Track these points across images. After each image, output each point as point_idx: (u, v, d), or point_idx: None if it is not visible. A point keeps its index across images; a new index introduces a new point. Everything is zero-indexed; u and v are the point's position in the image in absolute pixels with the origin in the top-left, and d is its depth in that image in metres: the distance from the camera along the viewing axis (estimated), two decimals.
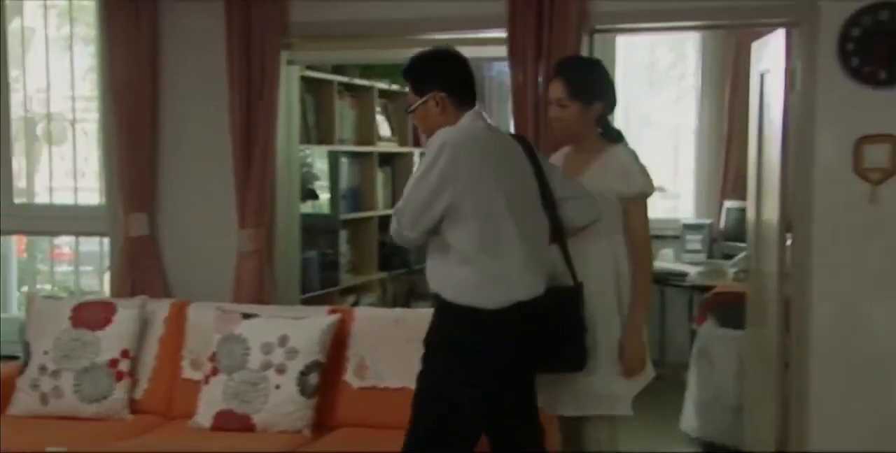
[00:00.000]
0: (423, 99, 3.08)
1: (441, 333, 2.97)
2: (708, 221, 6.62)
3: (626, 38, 6.42)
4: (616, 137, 3.33)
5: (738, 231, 6.03)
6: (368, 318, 4.00)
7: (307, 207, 5.47)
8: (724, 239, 6.50)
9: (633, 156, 3.28)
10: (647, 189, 3.26)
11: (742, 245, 5.49)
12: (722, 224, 6.56)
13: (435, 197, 2.88)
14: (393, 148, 6.48)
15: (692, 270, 6.09)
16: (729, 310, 5.04)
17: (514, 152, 3.09)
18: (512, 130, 4.15)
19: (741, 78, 6.35)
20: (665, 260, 6.42)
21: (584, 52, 4.01)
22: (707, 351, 5.08)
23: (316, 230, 5.51)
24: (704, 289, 5.68)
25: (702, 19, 4.20)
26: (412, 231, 2.96)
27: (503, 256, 2.92)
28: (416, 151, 6.78)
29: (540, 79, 4.01)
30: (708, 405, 5.03)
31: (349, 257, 6.09)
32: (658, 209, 6.91)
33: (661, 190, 6.80)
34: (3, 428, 3.76)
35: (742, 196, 6.09)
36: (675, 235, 6.57)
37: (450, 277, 2.94)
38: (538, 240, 3.05)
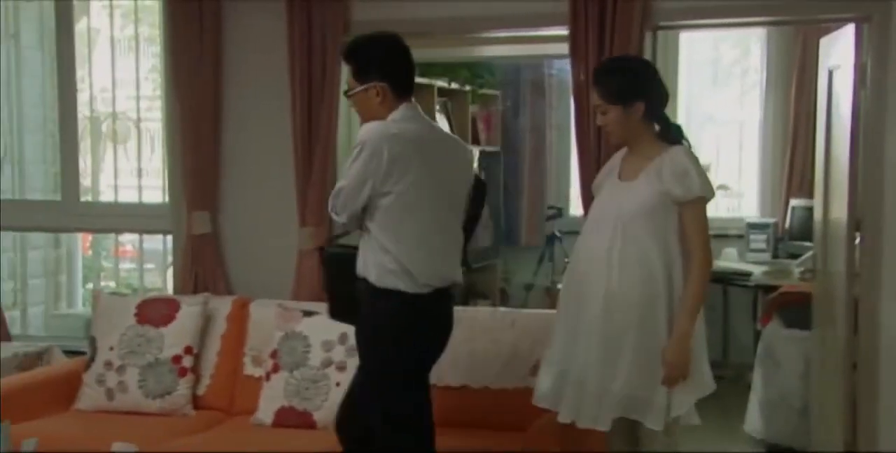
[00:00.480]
0: (364, 87, 3.08)
1: (368, 318, 3.11)
2: (773, 220, 6.50)
3: (689, 34, 6.33)
4: (674, 138, 3.15)
5: (803, 230, 5.92)
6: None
7: None
8: (790, 238, 6.38)
9: (692, 157, 3.09)
10: (705, 193, 3.07)
11: (808, 244, 5.39)
12: (787, 223, 6.44)
13: (358, 188, 3.00)
14: None
15: (756, 270, 5.99)
16: (795, 310, 4.94)
17: (447, 150, 3.17)
18: (574, 129, 4.12)
19: (808, 74, 6.24)
20: (728, 259, 6.32)
21: (647, 50, 3.97)
22: (772, 351, 5.00)
23: None
24: (769, 288, 5.58)
25: (769, 15, 4.12)
26: (341, 215, 3.08)
27: (420, 246, 3.04)
28: (476, 150, 6.78)
29: None
30: (773, 406, 4.95)
31: None
32: (721, 208, 6.85)
33: (725, 188, 6.73)
34: (71, 423, 3.83)
35: (808, 194, 5.98)
36: (739, 234, 6.46)
37: (372, 262, 3.06)
38: (456, 234, 3.17)
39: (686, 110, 6.99)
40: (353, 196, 3.02)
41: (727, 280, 6.06)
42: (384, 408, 3.10)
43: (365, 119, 3.11)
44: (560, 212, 6.96)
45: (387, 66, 3.09)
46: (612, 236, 3.07)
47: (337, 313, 3.33)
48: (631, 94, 3.08)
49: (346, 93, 3.14)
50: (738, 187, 6.99)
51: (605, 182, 3.27)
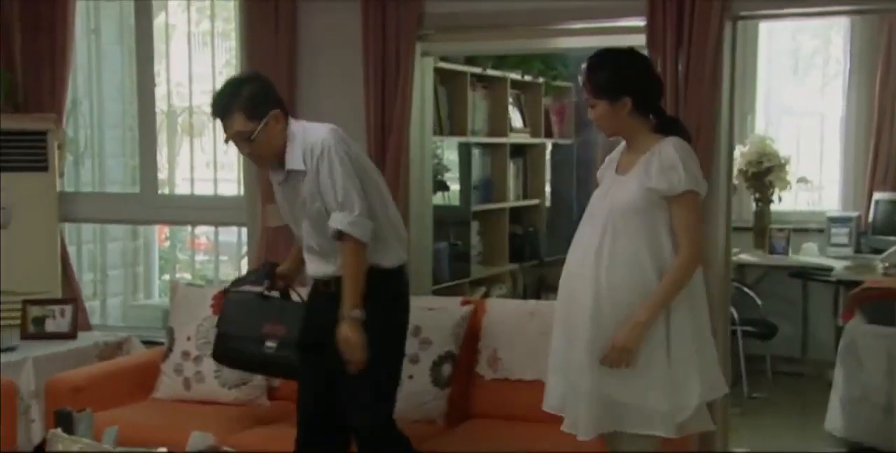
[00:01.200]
0: (264, 122, 3.14)
1: (395, 299, 3.31)
2: (855, 214, 6.34)
3: (769, 24, 6.20)
4: (670, 130, 3.00)
5: (887, 224, 5.77)
6: (501, 310, 3.97)
7: (437, 199, 5.47)
8: (873, 232, 6.21)
9: (683, 150, 2.93)
10: (692, 187, 2.90)
11: (892, 238, 5.25)
12: (870, 216, 6.28)
13: (354, 180, 3.14)
14: (525, 139, 6.44)
15: (838, 265, 5.85)
16: (879, 305, 4.82)
17: None
18: None
19: (893, 64, 6.07)
20: (809, 254, 6.19)
21: (726, 40, 3.88)
22: (854, 348, 4.88)
23: (447, 221, 5.51)
24: (851, 284, 5.45)
25: (853, 4, 4.00)
26: (367, 215, 3.15)
27: (390, 227, 3.26)
28: (549, 143, 6.73)
29: (680, 67, 3.89)
30: (855, 404, 4.83)
31: (480, 248, 6.08)
32: (801, 201, 6.70)
33: (805, 181, 6.58)
34: (150, 412, 3.89)
35: (893, 187, 5.83)
36: (820, 228, 6.32)
37: (381, 247, 3.23)
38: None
39: (765, 102, 6.85)
40: (358, 189, 3.14)
41: (807, 275, 5.94)
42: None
43: (271, 156, 3.21)
44: None
45: (273, 93, 3.24)
46: (602, 233, 2.95)
47: (220, 355, 3.61)
48: (617, 89, 2.96)
49: (249, 137, 3.17)
50: (819, 180, 6.82)
51: (605, 174, 3.14)
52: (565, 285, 3.05)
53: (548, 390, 3.11)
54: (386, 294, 3.22)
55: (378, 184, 3.31)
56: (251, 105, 3.14)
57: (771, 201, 6.32)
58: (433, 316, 3.82)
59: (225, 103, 3.17)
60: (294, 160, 3.16)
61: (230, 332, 3.59)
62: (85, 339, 4.55)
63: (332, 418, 3.30)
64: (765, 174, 6.22)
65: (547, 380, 3.12)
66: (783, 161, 6.24)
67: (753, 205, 6.42)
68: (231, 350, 3.59)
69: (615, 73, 2.99)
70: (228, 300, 3.63)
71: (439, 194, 5.56)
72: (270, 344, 3.49)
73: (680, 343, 2.92)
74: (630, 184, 2.95)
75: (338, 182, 3.12)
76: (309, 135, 3.17)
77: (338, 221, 3.12)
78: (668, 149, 2.92)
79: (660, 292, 2.88)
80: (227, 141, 3.23)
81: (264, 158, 3.24)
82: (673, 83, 3.92)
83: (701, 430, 3.06)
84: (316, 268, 3.31)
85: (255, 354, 3.52)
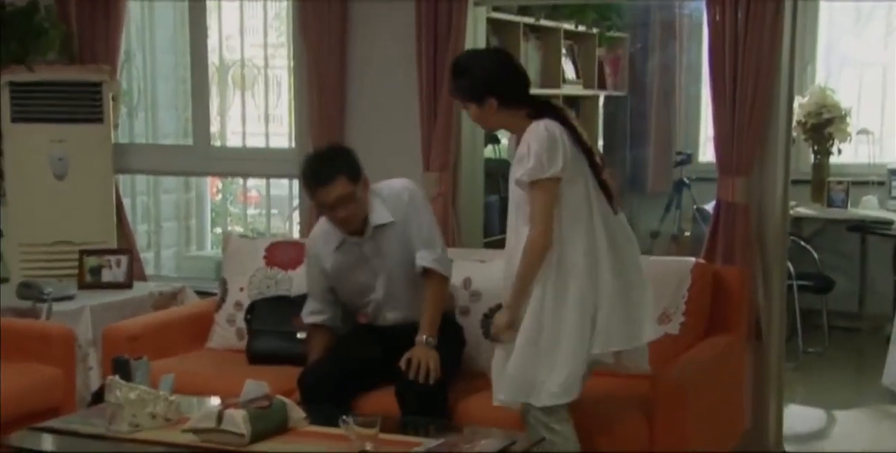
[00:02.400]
0: (361, 183, 3.42)
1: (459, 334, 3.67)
2: None
3: None
4: (539, 115, 3.02)
5: None
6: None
7: (488, 152, 5.43)
8: None
9: (539, 133, 2.95)
10: (536, 176, 2.93)
11: None
12: None
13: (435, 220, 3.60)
14: (578, 91, 6.36)
15: None
16: None
17: None
18: (707, 71, 4.02)
19: None
20: (868, 207, 6.09)
21: None
22: None
23: (498, 174, 5.46)
24: None
25: None
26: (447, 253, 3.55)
27: None
28: (602, 94, 6.64)
29: (739, 16, 3.81)
30: None
31: None
32: (862, 154, 6.55)
33: (867, 133, 6.44)
34: (204, 361, 3.94)
35: None
36: (881, 181, 6.21)
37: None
38: None
39: (826, 52, 6.69)
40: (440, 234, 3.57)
41: (866, 228, 5.84)
42: None
43: (365, 207, 3.46)
44: (689, 157, 6.76)
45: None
46: (513, 219, 3.09)
47: (254, 352, 3.88)
48: (480, 93, 3.06)
49: (353, 197, 3.41)
50: (880, 132, 6.66)
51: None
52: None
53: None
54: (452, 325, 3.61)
55: None
56: (351, 168, 3.39)
57: (830, 153, 6.21)
58: (483, 268, 3.80)
59: (329, 169, 3.38)
60: (381, 215, 3.44)
61: (262, 329, 3.90)
62: (140, 289, 4.62)
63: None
64: (824, 126, 6.09)
65: None
66: (843, 112, 6.11)
67: (812, 157, 6.30)
68: (263, 345, 3.88)
69: (475, 77, 3.08)
70: (256, 305, 3.98)
71: (490, 147, 5.52)
72: (301, 335, 3.75)
73: (538, 326, 3.00)
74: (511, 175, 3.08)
75: (424, 222, 3.45)
76: (390, 189, 3.50)
77: (424, 259, 3.41)
78: (527, 135, 2.99)
79: (517, 276, 3.00)
80: (326, 207, 3.42)
81: (358, 218, 3.43)
82: (732, 33, 3.84)
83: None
84: (396, 316, 3.54)
85: (287, 346, 3.80)
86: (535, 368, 3.00)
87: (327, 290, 3.63)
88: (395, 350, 3.38)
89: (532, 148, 2.94)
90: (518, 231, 3.06)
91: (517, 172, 2.99)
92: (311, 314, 3.66)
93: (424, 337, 3.36)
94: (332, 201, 3.36)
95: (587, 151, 3.04)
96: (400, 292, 3.50)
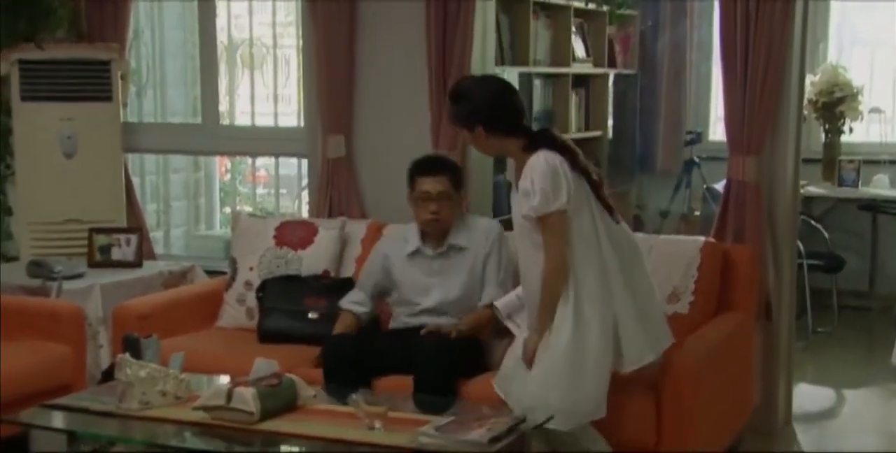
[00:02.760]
0: (460, 195, 3.66)
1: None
2: None
3: None
4: (535, 146, 3.07)
5: None
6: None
7: None
8: None
9: (541, 168, 2.99)
10: (544, 211, 2.98)
11: None
12: None
13: None
14: (588, 69, 6.31)
15: None
16: None
17: None
18: (718, 49, 4.00)
19: None
20: (879, 186, 6.05)
21: None
22: None
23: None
24: None
25: None
26: None
27: None
28: (612, 73, 6.60)
29: None
30: None
31: None
32: (873, 133, 6.51)
33: (878, 111, 6.39)
34: (214, 340, 3.96)
35: None
36: (892, 160, 6.17)
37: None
38: None
39: (838, 30, 6.62)
40: None
41: (877, 207, 5.81)
42: None
43: (453, 218, 3.66)
44: (699, 136, 6.72)
45: None
46: (522, 246, 3.15)
47: (265, 330, 3.93)
48: (470, 120, 3.15)
49: (450, 199, 3.65)
50: (892, 111, 6.60)
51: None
52: None
53: None
54: None
55: None
56: (458, 177, 3.66)
57: (841, 132, 6.17)
58: None
59: (442, 165, 3.66)
60: (460, 238, 3.63)
61: (274, 307, 3.94)
62: (150, 268, 4.63)
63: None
64: (836, 104, 6.06)
65: None
66: (855, 91, 6.06)
67: (823, 136, 6.26)
68: (275, 323, 3.92)
69: (465, 105, 3.18)
70: (268, 283, 4.01)
71: None
72: (314, 315, 3.88)
73: (553, 357, 3.03)
74: (516, 207, 3.14)
75: (504, 263, 3.59)
76: (477, 221, 3.72)
77: (491, 297, 3.52)
78: (528, 171, 3.03)
79: (540, 306, 3.06)
80: (425, 197, 3.57)
81: (444, 223, 3.61)
82: (744, 11, 3.82)
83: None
84: (431, 322, 3.59)
85: (298, 325, 3.87)
86: (561, 394, 3.00)
87: (376, 287, 3.75)
88: (414, 348, 3.45)
89: (536, 183, 2.99)
90: (527, 256, 3.12)
91: (523, 208, 3.04)
92: (352, 303, 3.75)
93: (457, 321, 3.51)
94: (434, 193, 3.56)
95: (585, 173, 3.08)
96: (447, 308, 3.63)
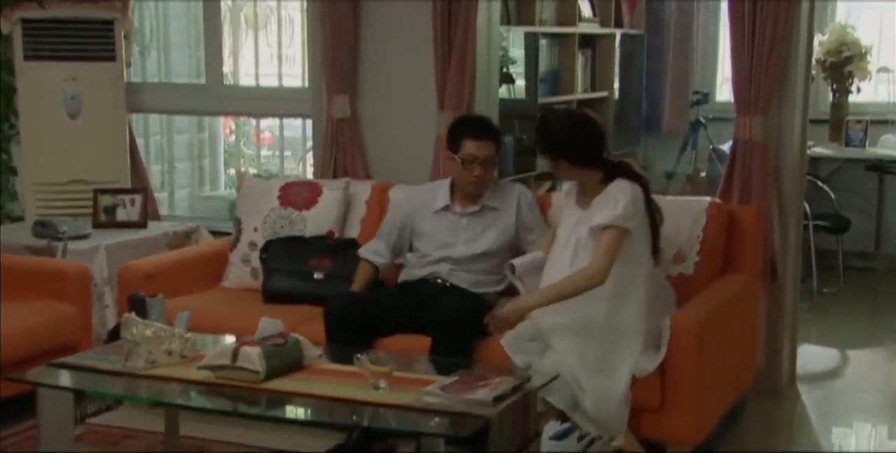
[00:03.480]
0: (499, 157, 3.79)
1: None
2: None
3: None
4: (612, 177, 3.33)
5: None
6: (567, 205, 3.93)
7: (503, 92, 5.37)
8: None
9: (627, 189, 3.27)
10: (621, 223, 3.22)
11: None
12: None
13: None
14: (594, 29, 6.26)
15: None
16: None
17: None
18: (726, 8, 3.96)
19: None
20: (886, 146, 6.02)
21: None
22: None
23: (513, 115, 5.42)
24: None
25: None
26: None
27: None
28: (619, 33, 6.55)
29: None
30: None
31: None
32: (881, 93, 6.46)
33: (887, 71, 6.34)
34: (220, 299, 3.97)
35: None
36: None
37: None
38: None
39: None
40: None
41: (884, 168, 5.79)
42: None
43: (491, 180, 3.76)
44: (705, 97, 6.68)
45: None
46: (572, 254, 3.32)
47: (270, 290, 3.95)
48: (553, 151, 3.37)
49: (493, 162, 3.73)
50: None
51: (564, 203, 3.54)
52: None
53: None
54: None
55: None
56: (500, 142, 3.75)
57: (849, 92, 6.12)
58: None
59: (491, 130, 3.71)
60: (494, 199, 3.70)
61: (278, 268, 3.95)
62: (155, 228, 4.63)
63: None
64: (844, 64, 6.01)
65: None
66: (864, 50, 6.01)
67: (830, 96, 6.22)
68: (279, 283, 3.94)
69: (549, 138, 3.39)
70: (272, 244, 4.02)
71: (505, 87, 5.46)
72: (318, 275, 3.90)
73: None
74: (589, 220, 3.31)
75: (537, 219, 3.72)
76: (507, 184, 3.86)
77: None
78: (614, 189, 3.29)
79: (555, 292, 3.26)
80: (472, 160, 3.61)
81: (483, 185, 3.68)
82: None
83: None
84: (442, 274, 3.67)
85: (303, 285, 3.89)
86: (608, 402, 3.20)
87: (396, 240, 3.79)
88: (420, 300, 3.52)
89: (621, 200, 3.24)
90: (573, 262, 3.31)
91: (597, 219, 3.24)
92: (371, 252, 3.80)
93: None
94: (481, 156, 3.61)
95: (651, 210, 3.34)
96: (467, 265, 3.67)
